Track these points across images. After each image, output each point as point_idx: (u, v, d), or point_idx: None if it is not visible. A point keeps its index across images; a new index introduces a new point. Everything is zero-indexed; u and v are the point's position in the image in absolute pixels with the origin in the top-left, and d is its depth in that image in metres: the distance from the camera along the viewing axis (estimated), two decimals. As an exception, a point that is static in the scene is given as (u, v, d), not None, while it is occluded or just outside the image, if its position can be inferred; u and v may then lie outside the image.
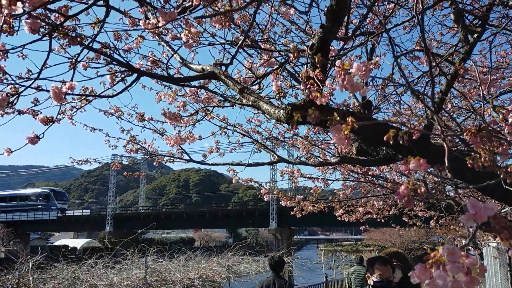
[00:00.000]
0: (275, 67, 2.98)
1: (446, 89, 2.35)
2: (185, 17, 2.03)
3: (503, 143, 1.21)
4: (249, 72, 3.45)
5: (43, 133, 2.14)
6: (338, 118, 1.18)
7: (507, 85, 3.47)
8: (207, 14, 2.16)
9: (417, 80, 3.70)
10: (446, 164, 1.15)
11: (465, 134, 1.22)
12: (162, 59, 3.54)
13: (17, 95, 1.95)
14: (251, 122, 4.37)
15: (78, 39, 2.03)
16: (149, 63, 3.50)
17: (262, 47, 3.25)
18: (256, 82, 3.03)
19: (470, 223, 0.98)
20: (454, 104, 4.13)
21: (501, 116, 1.42)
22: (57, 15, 2.03)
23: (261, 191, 5.38)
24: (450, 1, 2.31)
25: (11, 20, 1.54)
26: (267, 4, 3.04)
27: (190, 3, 1.78)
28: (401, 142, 1.27)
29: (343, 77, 1.31)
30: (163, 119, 3.50)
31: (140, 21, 2.08)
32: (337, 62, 1.34)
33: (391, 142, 1.25)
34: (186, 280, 9.32)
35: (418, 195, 1.08)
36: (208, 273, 10.24)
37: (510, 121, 1.41)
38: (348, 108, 3.81)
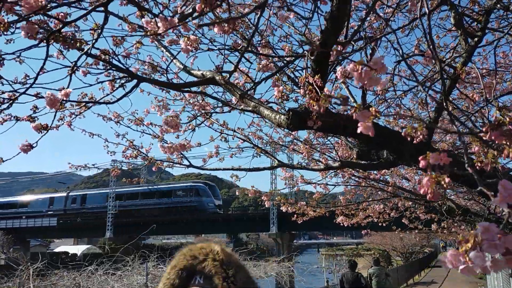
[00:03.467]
0: (274, 71, 2.97)
1: (448, 92, 2.34)
2: (184, 24, 2.02)
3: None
4: (247, 76, 3.44)
5: (37, 142, 2.12)
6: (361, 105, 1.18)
7: (508, 88, 3.46)
8: (209, 22, 2.15)
9: (424, 79, 3.69)
10: (466, 161, 1.14)
11: (485, 129, 1.21)
12: (162, 63, 3.54)
13: (11, 101, 1.93)
14: (252, 126, 4.36)
15: (77, 44, 2.02)
16: (147, 67, 3.49)
17: (261, 51, 3.25)
18: (253, 86, 3.02)
19: (503, 204, 0.96)
20: (456, 106, 4.12)
21: (507, 119, 1.41)
22: (55, 21, 2.02)
23: (262, 197, 5.37)
24: (449, 5, 2.30)
25: (3, 18, 1.52)
26: (266, 8, 3.04)
27: (191, 10, 1.77)
28: (418, 139, 1.25)
29: (359, 72, 1.29)
30: (161, 124, 3.49)
31: (143, 19, 2.06)
32: (338, 70, 1.33)
33: (408, 139, 1.24)
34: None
35: (442, 188, 1.06)
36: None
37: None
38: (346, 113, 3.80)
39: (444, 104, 1.74)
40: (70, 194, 56.37)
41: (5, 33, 1.59)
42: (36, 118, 2.47)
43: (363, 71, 1.18)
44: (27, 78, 2.41)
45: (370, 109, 1.13)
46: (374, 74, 1.19)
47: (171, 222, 48.31)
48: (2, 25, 1.51)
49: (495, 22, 3.64)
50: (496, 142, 1.11)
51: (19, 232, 52.22)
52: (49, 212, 53.88)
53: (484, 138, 1.15)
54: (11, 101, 2.01)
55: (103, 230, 49.31)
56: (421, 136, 1.36)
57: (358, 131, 1.24)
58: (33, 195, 66.54)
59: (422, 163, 1.14)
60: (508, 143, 1.08)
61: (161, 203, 49.79)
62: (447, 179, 1.08)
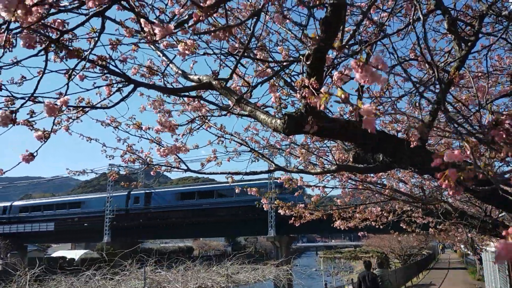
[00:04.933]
0: (270, 76, 2.99)
1: (441, 96, 2.37)
2: (184, 29, 2.04)
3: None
4: (243, 80, 3.46)
5: (37, 150, 2.13)
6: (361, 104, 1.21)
7: (502, 91, 3.49)
8: (205, 29, 2.17)
9: (419, 83, 3.71)
10: (472, 159, 1.15)
11: (488, 126, 1.23)
12: (161, 67, 3.56)
13: (16, 111, 1.95)
14: (248, 130, 4.38)
15: (76, 53, 2.03)
16: (145, 70, 3.50)
17: (258, 55, 3.27)
18: (249, 90, 3.04)
19: None
20: (450, 110, 4.15)
21: (503, 118, 1.43)
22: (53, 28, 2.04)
23: (261, 201, 5.38)
24: (443, 10, 2.33)
25: (10, 36, 1.54)
26: (262, 13, 3.06)
27: (187, 16, 1.79)
28: (412, 144, 1.28)
29: (361, 69, 1.32)
30: (160, 128, 3.50)
31: (142, 20, 2.08)
32: (335, 74, 1.35)
33: (401, 145, 1.26)
34: (185, 290, 9.26)
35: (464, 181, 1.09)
36: (207, 282, 10.17)
37: (507, 126, 1.42)
38: (342, 117, 3.83)
39: (442, 105, 1.76)
40: (132, 192, 50.79)
41: (11, 50, 1.61)
42: (34, 122, 2.48)
43: (365, 68, 1.21)
44: (24, 79, 2.43)
45: (371, 104, 1.15)
46: (375, 70, 1.22)
47: (169, 226, 48.16)
48: (8, 42, 1.53)
49: (490, 26, 3.68)
50: (496, 140, 1.14)
51: (16, 238, 51.96)
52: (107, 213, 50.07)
53: (481, 138, 1.17)
54: (16, 111, 2.01)
55: (100, 235, 49.14)
56: (417, 139, 1.38)
57: (362, 127, 1.26)
58: (91, 194, 62.35)
59: (436, 161, 1.15)
60: (507, 141, 1.11)
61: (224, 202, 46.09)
62: (471, 172, 1.10)
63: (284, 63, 3.05)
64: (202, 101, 3.70)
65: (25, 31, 1.68)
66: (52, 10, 1.82)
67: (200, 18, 1.46)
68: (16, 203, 60.38)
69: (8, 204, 59.35)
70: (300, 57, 1.94)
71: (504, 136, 1.16)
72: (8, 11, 1.35)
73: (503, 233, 0.96)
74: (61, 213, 54.01)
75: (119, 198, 50.00)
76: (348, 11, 3.35)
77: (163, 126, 3.39)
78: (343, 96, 1.28)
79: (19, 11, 1.37)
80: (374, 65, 1.27)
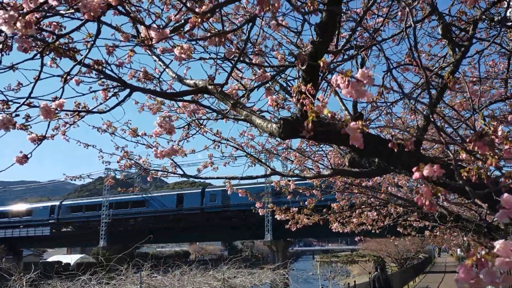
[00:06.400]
0: (266, 80, 3.00)
1: (436, 101, 2.39)
2: (180, 34, 2.05)
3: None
4: (239, 84, 3.47)
5: (31, 152, 2.13)
6: (349, 117, 1.22)
7: (497, 95, 3.52)
8: (201, 35, 2.18)
9: (410, 92, 3.74)
10: (456, 173, 1.16)
11: (468, 140, 1.24)
12: (155, 74, 3.56)
13: (15, 115, 1.95)
14: (244, 136, 4.38)
15: (70, 53, 2.04)
16: (141, 75, 3.51)
17: (254, 60, 3.28)
18: (246, 94, 3.05)
19: (504, 219, 0.99)
20: (445, 115, 4.18)
21: (492, 128, 1.45)
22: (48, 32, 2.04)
23: (255, 206, 5.38)
24: (438, 15, 2.35)
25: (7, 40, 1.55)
26: (258, 18, 3.07)
27: (183, 21, 1.80)
28: (407, 149, 1.29)
29: (347, 83, 1.32)
30: (158, 131, 3.50)
31: (140, 26, 2.09)
32: (333, 77, 1.36)
33: (395, 150, 1.27)
34: (181, 295, 9.23)
35: (439, 199, 1.10)
36: (204, 287, 10.14)
37: (500, 133, 1.44)
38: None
39: (431, 116, 1.78)
40: (206, 190, 45.96)
41: (8, 53, 1.62)
42: (29, 127, 2.48)
43: (351, 83, 1.21)
44: (20, 85, 2.43)
45: (357, 121, 1.16)
46: (361, 86, 1.22)
47: (165, 230, 47.89)
48: (6, 46, 1.53)
49: (484, 32, 3.71)
50: (480, 153, 1.15)
51: (11, 242, 51.54)
52: (178, 212, 45.99)
53: (468, 148, 1.18)
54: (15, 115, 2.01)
55: (96, 239, 48.88)
56: (411, 144, 1.39)
57: (350, 143, 1.27)
58: (156, 192, 52.87)
59: (415, 175, 1.17)
60: (491, 153, 1.12)
61: None
62: (443, 191, 1.11)
63: (280, 68, 3.06)
64: (198, 106, 3.71)
65: (20, 35, 1.69)
66: (48, 14, 1.83)
67: (196, 23, 1.47)
68: (66, 202, 53.55)
69: (55, 203, 53.23)
70: (296, 62, 1.95)
71: (487, 149, 1.17)
72: (8, 25, 1.36)
73: (465, 256, 0.96)
74: (123, 212, 48.92)
75: (191, 196, 45.81)
76: (344, 17, 3.38)
77: (162, 128, 3.38)
78: (329, 115, 1.28)
79: (18, 24, 1.37)
80: (360, 80, 1.27)
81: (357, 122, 1.18)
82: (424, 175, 1.15)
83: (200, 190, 46.61)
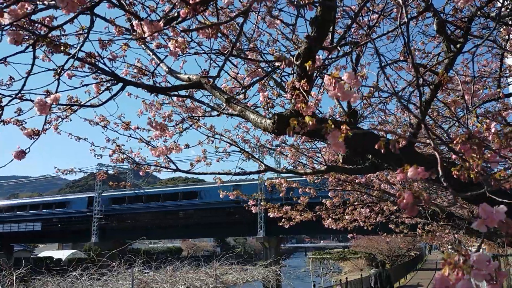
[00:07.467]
0: (261, 76, 2.99)
1: (430, 98, 2.39)
2: (172, 27, 2.03)
3: (489, 151, 1.23)
4: (235, 81, 3.45)
5: (29, 147, 2.11)
6: (333, 125, 1.20)
7: (490, 95, 3.54)
8: (194, 27, 2.16)
9: (401, 90, 3.75)
10: (440, 173, 1.16)
11: (454, 142, 1.23)
12: (150, 67, 3.53)
13: (1, 109, 1.92)
14: (239, 128, 4.36)
15: (62, 47, 2.01)
16: (135, 71, 3.48)
17: (249, 56, 3.26)
18: (242, 91, 3.04)
19: (482, 228, 0.99)
20: (439, 112, 4.19)
21: (485, 126, 1.45)
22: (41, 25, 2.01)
23: (248, 203, 5.37)
24: (433, 12, 2.35)
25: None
26: (253, 13, 3.06)
27: (176, 14, 1.78)
28: (392, 150, 1.28)
29: (334, 85, 1.31)
30: (149, 128, 3.49)
31: (133, 22, 2.06)
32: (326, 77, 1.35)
33: (382, 151, 1.26)
34: (173, 291, 9.22)
35: (421, 202, 1.09)
36: (196, 283, 10.14)
37: (493, 130, 1.44)
38: (333, 117, 3.84)
39: (422, 116, 1.78)
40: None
41: None
42: (24, 122, 2.45)
43: (337, 85, 1.20)
44: (13, 80, 2.39)
45: (342, 126, 1.14)
46: (348, 87, 1.21)
47: (158, 227, 47.79)
48: None
49: (477, 32, 3.72)
50: (465, 155, 1.14)
51: (1, 237, 51.12)
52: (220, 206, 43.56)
53: (456, 150, 1.18)
54: (1, 109, 1.98)
55: (88, 235, 48.59)
56: (404, 140, 1.39)
57: (332, 149, 1.26)
58: (201, 184, 50.68)
59: (399, 176, 1.16)
60: (477, 156, 1.11)
61: None
62: (426, 196, 1.10)
63: (275, 64, 3.05)
64: (192, 101, 3.69)
65: (12, 27, 1.66)
66: (41, 6, 1.81)
67: (188, 15, 1.45)
68: (106, 193, 49.60)
69: (92, 194, 50.04)
70: (291, 57, 1.94)
71: (471, 152, 1.17)
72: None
73: (441, 265, 0.97)
74: (169, 205, 47.05)
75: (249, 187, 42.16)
76: (339, 13, 3.37)
77: (154, 128, 3.37)
78: (311, 123, 1.26)
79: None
80: (347, 82, 1.26)
81: (341, 127, 1.16)
82: (408, 177, 1.15)
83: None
